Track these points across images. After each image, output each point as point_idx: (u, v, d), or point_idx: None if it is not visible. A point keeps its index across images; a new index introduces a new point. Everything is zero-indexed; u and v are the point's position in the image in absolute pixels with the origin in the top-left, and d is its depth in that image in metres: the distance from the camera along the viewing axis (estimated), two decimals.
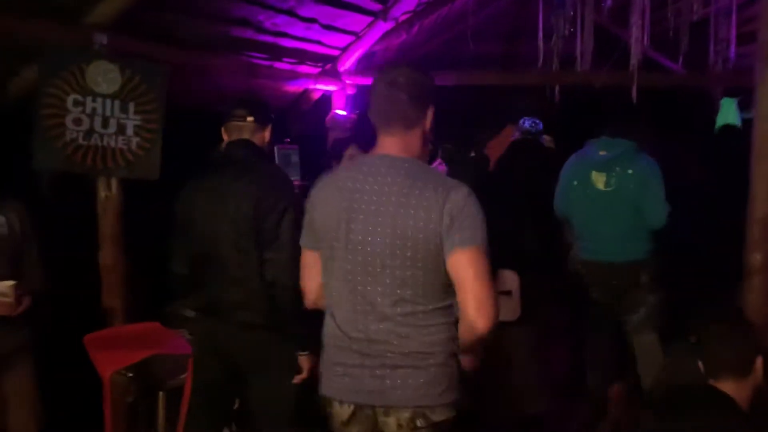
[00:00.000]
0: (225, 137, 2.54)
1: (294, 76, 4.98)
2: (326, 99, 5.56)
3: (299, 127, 5.54)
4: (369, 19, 4.78)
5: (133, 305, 3.39)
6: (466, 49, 5.78)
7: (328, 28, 4.62)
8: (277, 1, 3.93)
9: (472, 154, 4.27)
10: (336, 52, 5.22)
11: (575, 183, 3.72)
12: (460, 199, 1.73)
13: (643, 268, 3.64)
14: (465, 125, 8.38)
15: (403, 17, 5.03)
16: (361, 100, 5.64)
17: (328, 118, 5.44)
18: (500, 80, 5.76)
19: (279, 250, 2.32)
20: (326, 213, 1.84)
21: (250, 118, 2.50)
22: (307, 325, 2.32)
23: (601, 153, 3.66)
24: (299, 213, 2.15)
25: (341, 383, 1.84)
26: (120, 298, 3.36)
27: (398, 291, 1.76)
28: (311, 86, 5.25)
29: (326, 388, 1.89)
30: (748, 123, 6.32)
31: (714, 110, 6.65)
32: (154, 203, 3.09)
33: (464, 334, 1.77)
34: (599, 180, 3.63)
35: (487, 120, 8.41)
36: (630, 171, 3.61)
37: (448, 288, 1.77)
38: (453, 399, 1.81)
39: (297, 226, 2.11)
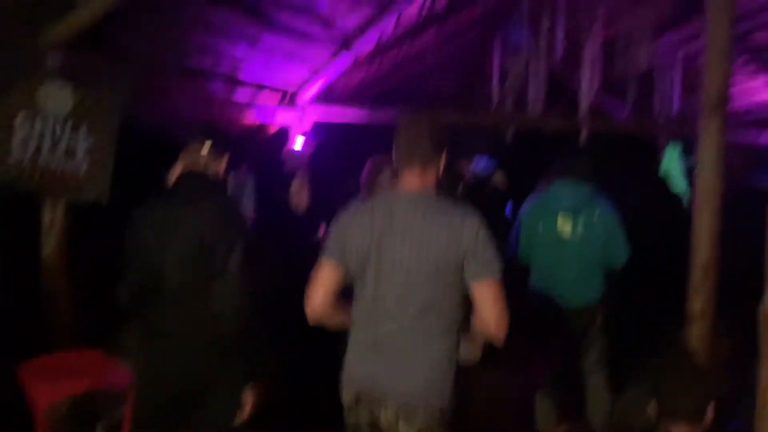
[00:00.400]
0: (179, 165, 2.50)
1: (251, 107, 4.95)
2: (285, 130, 5.55)
3: (256, 157, 5.51)
4: (330, 53, 4.80)
5: (77, 331, 3.27)
6: (424, 86, 5.91)
7: (289, 59, 4.63)
8: (237, 32, 3.92)
9: None
10: (296, 85, 5.24)
11: (540, 229, 3.64)
12: (474, 226, 2.04)
13: (600, 309, 3.68)
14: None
15: (364, 53, 5.09)
16: (319, 132, 5.67)
17: (285, 149, 5.43)
18: (457, 119, 5.85)
19: (226, 280, 2.28)
20: (359, 236, 2.14)
21: (205, 148, 2.47)
22: (253, 356, 2.29)
23: (567, 198, 3.61)
24: (248, 245, 2.21)
25: (354, 375, 2.17)
26: (63, 324, 3.24)
27: (420, 307, 2.07)
28: (269, 117, 5.23)
29: (344, 380, 2.19)
30: (692, 169, 6.62)
31: (659, 155, 6.91)
32: (103, 228, 3.01)
33: (481, 332, 2.15)
34: (566, 225, 3.59)
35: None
36: (596, 215, 3.59)
37: (462, 305, 2.11)
38: (441, 405, 2.09)
39: (246, 258, 2.12)
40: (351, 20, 4.43)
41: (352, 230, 2.16)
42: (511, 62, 5.51)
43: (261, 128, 5.79)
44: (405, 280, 2.07)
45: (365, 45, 4.78)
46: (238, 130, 5.71)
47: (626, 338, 3.90)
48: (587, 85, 5.50)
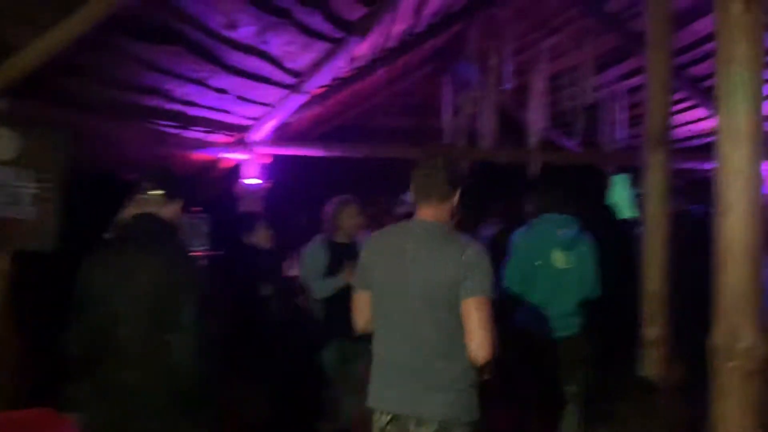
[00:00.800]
0: (132, 210, 2.44)
1: (203, 145, 4.90)
2: (238, 167, 5.52)
3: (210, 195, 5.45)
4: (283, 91, 4.81)
5: (25, 387, 3.13)
6: (377, 122, 5.98)
7: (241, 99, 4.62)
8: (187, 71, 3.89)
9: None
10: (248, 122, 5.22)
11: (538, 263, 3.68)
12: (474, 254, 2.26)
13: (583, 339, 3.73)
14: (378, 193, 8.55)
15: (317, 91, 5.13)
16: (274, 169, 5.64)
17: (238, 187, 5.38)
18: (410, 154, 5.92)
19: (182, 332, 2.21)
20: (377, 262, 2.39)
21: (159, 191, 2.41)
22: (212, 408, 2.22)
23: (561, 231, 3.70)
24: (204, 292, 2.12)
25: (384, 396, 2.34)
26: (10, 379, 3.10)
27: (429, 327, 2.26)
28: (222, 155, 5.19)
29: (372, 400, 2.36)
30: (638, 197, 6.81)
31: (606, 185, 7.09)
32: (51, 276, 2.90)
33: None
34: (560, 259, 3.66)
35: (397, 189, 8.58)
36: (585, 248, 3.71)
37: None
38: (470, 419, 2.27)
39: (201, 307, 2.05)
40: (303, 60, 4.45)
41: (373, 260, 2.41)
42: (462, 98, 5.61)
43: (213, 166, 5.74)
44: (416, 303, 2.28)
45: (317, 83, 4.80)
46: (190, 169, 5.65)
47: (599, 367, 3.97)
48: (535, 118, 5.64)
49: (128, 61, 3.54)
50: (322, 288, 3.99)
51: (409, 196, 4.61)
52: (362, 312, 2.46)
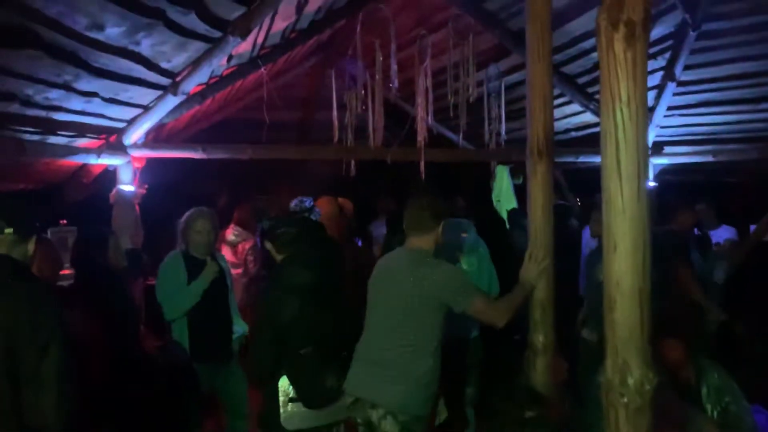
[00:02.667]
0: None
1: (71, 152, 4.50)
2: (110, 173, 5.13)
3: (78, 204, 5.04)
4: (158, 92, 4.51)
5: None
6: (260, 115, 5.76)
7: (111, 101, 4.27)
8: (49, 75, 3.53)
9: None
10: (121, 124, 4.86)
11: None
12: (447, 273, 2.97)
13: (473, 348, 3.86)
14: (266, 190, 8.32)
15: (195, 89, 4.85)
16: (151, 173, 5.31)
17: (112, 193, 5.01)
18: (296, 155, 5.77)
19: (41, 391, 1.95)
20: (373, 282, 3.15)
21: (8, 230, 2.15)
22: None
23: (464, 235, 3.80)
24: (67, 343, 1.89)
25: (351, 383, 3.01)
26: None
27: (397, 333, 2.91)
28: (92, 161, 4.80)
29: (346, 384, 3.03)
30: (518, 188, 7.08)
31: (489, 175, 7.32)
32: None
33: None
34: (466, 262, 3.79)
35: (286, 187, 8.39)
36: (483, 250, 3.89)
37: (430, 340, 2.93)
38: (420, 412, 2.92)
39: (63, 362, 1.83)
40: (178, 60, 4.18)
41: (372, 281, 3.15)
42: (348, 95, 5.52)
43: (82, 171, 5.32)
44: (394, 313, 2.93)
45: (194, 83, 4.54)
46: (55, 174, 5.21)
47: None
48: (421, 115, 5.65)
49: None
50: (187, 297, 3.77)
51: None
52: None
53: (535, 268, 2.89)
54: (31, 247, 2.22)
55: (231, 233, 5.79)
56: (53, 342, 1.99)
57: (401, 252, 3.11)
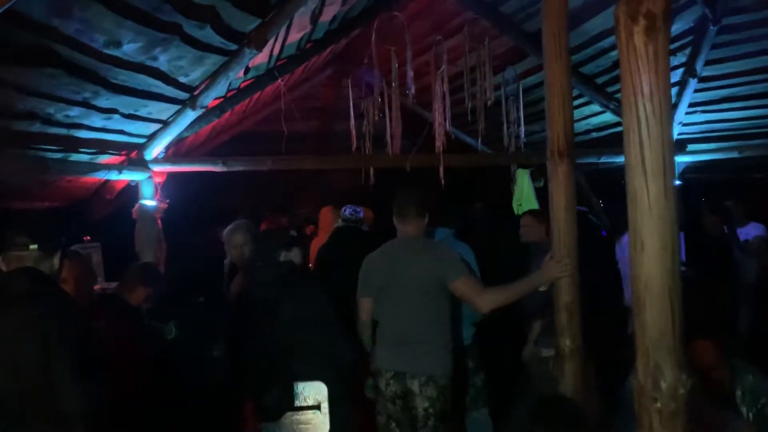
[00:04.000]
0: (3, 267, 2.17)
1: (93, 168, 4.54)
2: (132, 188, 5.17)
3: (101, 220, 5.08)
4: (177, 106, 4.54)
5: None
6: (279, 128, 5.78)
7: (131, 117, 4.31)
8: (69, 93, 3.57)
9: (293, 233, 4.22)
10: (141, 140, 4.90)
11: None
12: (443, 251, 3.48)
13: (468, 353, 3.84)
14: (287, 201, 8.35)
15: (213, 103, 4.87)
16: (173, 187, 5.34)
17: (134, 208, 5.05)
18: (316, 165, 5.78)
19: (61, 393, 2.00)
20: (376, 273, 3.48)
21: (33, 246, 2.16)
22: None
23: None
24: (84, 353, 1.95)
25: (388, 359, 3.38)
26: None
27: (420, 312, 3.32)
28: (114, 176, 4.84)
29: (380, 362, 3.40)
30: (540, 191, 7.00)
31: (509, 179, 7.24)
32: None
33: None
34: None
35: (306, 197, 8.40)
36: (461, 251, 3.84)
37: (446, 312, 3.38)
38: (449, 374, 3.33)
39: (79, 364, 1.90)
40: (195, 74, 4.21)
41: (371, 271, 3.50)
42: (365, 103, 5.51)
43: (105, 187, 5.37)
44: (412, 295, 3.31)
45: (213, 96, 4.56)
46: (78, 191, 5.27)
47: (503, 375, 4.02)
48: (439, 121, 5.62)
49: None
50: None
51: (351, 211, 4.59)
52: (366, 311, 3.46)
53: (557, 268, 2.87)
54: (56, 262, 2.23)
55: None
56: (62, 349, 2.01)
57: (399, 242, 3.52)
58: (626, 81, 1.62)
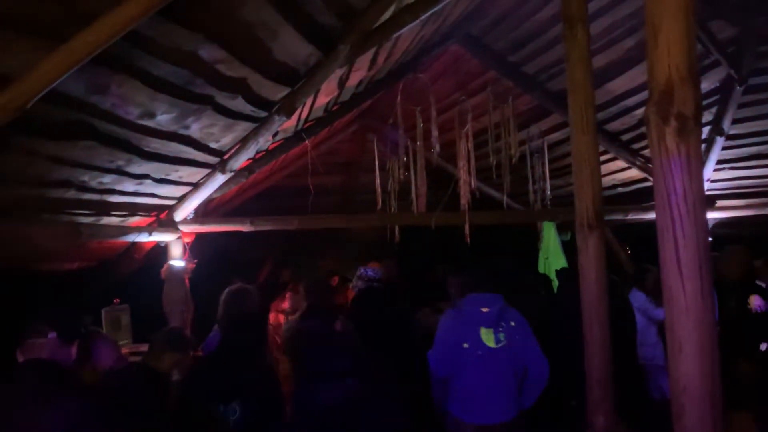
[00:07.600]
0: (20, 357, 2.15)
1: (124, 232, 4.61)
2: (160, 247, 5.24)
3: (129, 279, 5.14)
4: (206, 170, 4.62)
5: None
6: (305, 182, 5.85)
7: (162, 181, 4.40)
8: (103, 162, 3.66)
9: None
10: (171, 202, 4.98)
11: (465, 345, 3.49)
12: None
13: (518, 427, 3.58)
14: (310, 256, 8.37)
15: (242, 165, 4.96)
16: (199, 247, 5.40)
17: (163, 269, 5.10)
18: (342, 223, 5.81)
19: None
20: None
21: (52, 335, 2.16)
22: None
23: (484, 310, 3.53)
24: None
25: None
26: None
27: None
28: (143, 238, 4.91)
29: None
30: (566, 245, 6.93)
31: (536, 235, 7.19)
32: None
33: None
34: (489, 337, 3.47)
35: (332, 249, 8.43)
36: (513, 323, 3.52)
37: None
38: None
39: None
40: (225, 139, 4.29)
41: None
42: (391, 162, 5.57)
43: (134, 247, 5.45)
44: None
45: (241, 160, 4.64)
46: (108, 252, 5.34)
47: None
48: (464, 178, 5.65)
49: (36, 159, 3.29)
50: None
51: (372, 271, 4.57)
52: None
53: None
54: (74, 351, 2.24)
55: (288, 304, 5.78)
56: None
57: None
58: (658, 180, 1.61)
